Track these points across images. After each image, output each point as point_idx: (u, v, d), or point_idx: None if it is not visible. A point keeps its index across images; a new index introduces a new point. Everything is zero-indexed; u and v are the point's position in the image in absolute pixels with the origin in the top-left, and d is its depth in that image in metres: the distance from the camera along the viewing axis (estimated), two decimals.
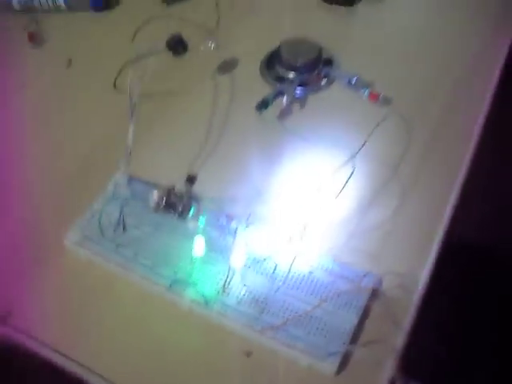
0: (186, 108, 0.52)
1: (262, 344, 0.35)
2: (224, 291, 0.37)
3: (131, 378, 0.35)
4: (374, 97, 0.49)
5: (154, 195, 0.39)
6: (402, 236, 0.41)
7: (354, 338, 0.35)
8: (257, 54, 0.56)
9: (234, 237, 0.37)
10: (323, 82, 0.53)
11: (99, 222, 0.41)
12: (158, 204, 0.39)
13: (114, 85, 0.53)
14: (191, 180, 0.42)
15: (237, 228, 0.38)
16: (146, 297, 0.38)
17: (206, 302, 0.36)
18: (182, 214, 0.39)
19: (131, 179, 0.43)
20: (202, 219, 0.39)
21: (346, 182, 0.42)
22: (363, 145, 0.45)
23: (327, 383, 0.34)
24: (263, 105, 0.48)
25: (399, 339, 0.35)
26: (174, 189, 0.40)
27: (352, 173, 0.42)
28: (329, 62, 0.54)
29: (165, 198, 0.39)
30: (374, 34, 0.58)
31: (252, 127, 0.49)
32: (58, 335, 0.37)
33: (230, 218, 0.39)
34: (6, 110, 0.53)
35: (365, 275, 0.37)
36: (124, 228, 0.40)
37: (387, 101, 0.50)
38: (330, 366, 0.34)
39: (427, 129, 0.48)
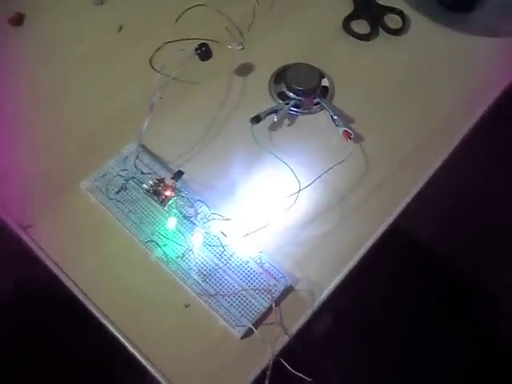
0: (198, 99, 0.64)
1: (197, 302, 0.50)
2: (182, 258, 0.51)
3: (105, 298, 0.51)
4: (347, 135, 0.60)
5: (149, 181, 0.53)
6: (327, 253, 0.54)
7: (263, 318, 0.50)
8: (272, 66, 0.67)
9: (197, 224, 0.51)
10: (315, 107, 0.64)
11: (108, 179, 0.55)
12: (147, 190, 0.53)
13: (150, 62, 0.65)
14: (178, 175, 0.54)
15: (200, 219, 0.52)
16: (128, 243, 0.53)
17: (168, 261, 0.51)
18: (162, 203, 0.53)
19: (142, 150, 0.57)
20: (176, 211, 0.52)
21: (296, 200, 0.54)
22: (321, 175, 0.57)
23: (232, 344, 0.49)
24: (256, 119, 0.60)
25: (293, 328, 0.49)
26: (163, 180, 0.53)
27: (298, 193, 0.54)
28: (325, 91, 0.65)
29: (153, 186, 0.53)
30: (376, 73, 0.68)
31: (245, 133, 0.59)
32: (63, 255, 0.52)
33: (196, 212, 0.52)
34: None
35: (283, 276, 0.51)
36: (125, 189, 0.54)
37: (359, 140, 0.61)
38: (237, 332, 0.49)
39: (384, 172, 0.59)
